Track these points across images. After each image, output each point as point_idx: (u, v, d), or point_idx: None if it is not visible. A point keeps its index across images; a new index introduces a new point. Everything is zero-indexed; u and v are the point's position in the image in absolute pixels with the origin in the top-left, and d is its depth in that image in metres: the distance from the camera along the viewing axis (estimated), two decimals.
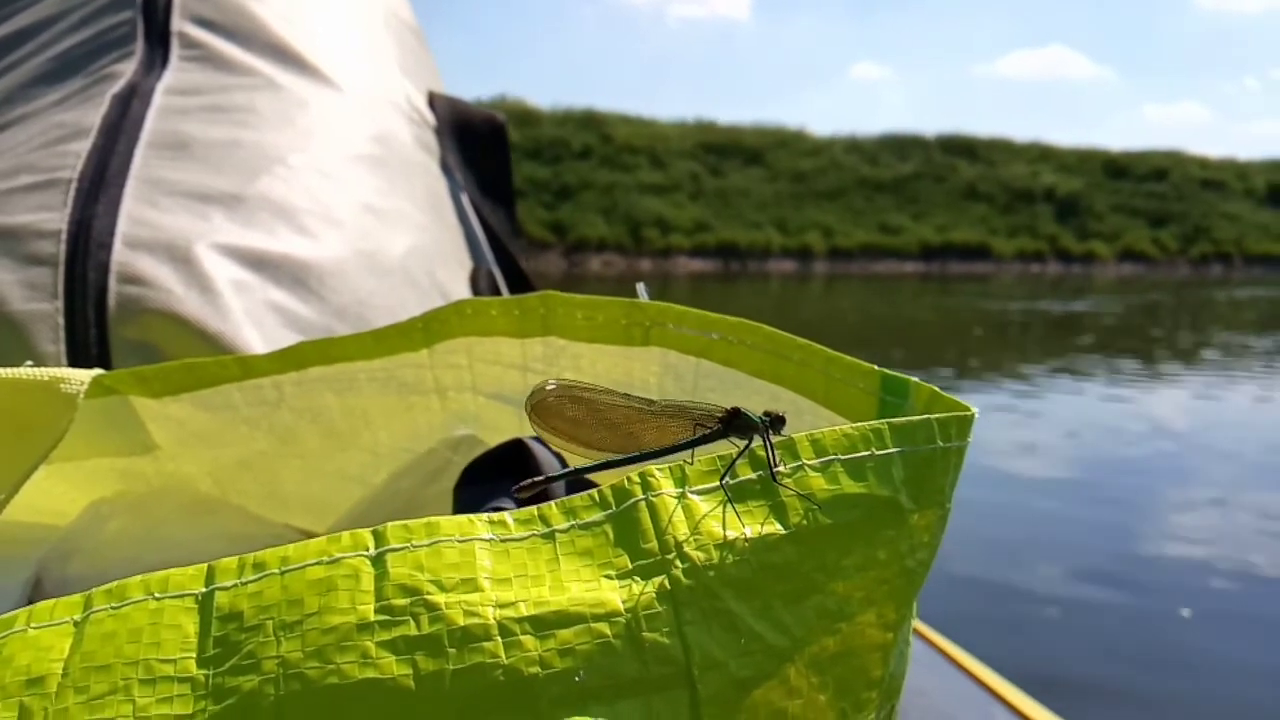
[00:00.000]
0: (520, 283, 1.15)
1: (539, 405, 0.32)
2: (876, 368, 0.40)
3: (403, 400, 0.54)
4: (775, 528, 0.29)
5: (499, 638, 0.27)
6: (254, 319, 0.78)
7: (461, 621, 0.28)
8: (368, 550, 0.29)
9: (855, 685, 0.30)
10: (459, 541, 0.29)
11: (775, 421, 0.32)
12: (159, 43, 0.97)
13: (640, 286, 0.50)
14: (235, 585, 0.29)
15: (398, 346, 0.51)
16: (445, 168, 1.21)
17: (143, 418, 0.53)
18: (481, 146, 1.28)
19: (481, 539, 0.30)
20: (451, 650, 0.27)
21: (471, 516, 0.30)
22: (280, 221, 0.87)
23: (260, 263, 0.82)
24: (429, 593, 0.28)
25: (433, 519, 0.30)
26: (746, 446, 0.30)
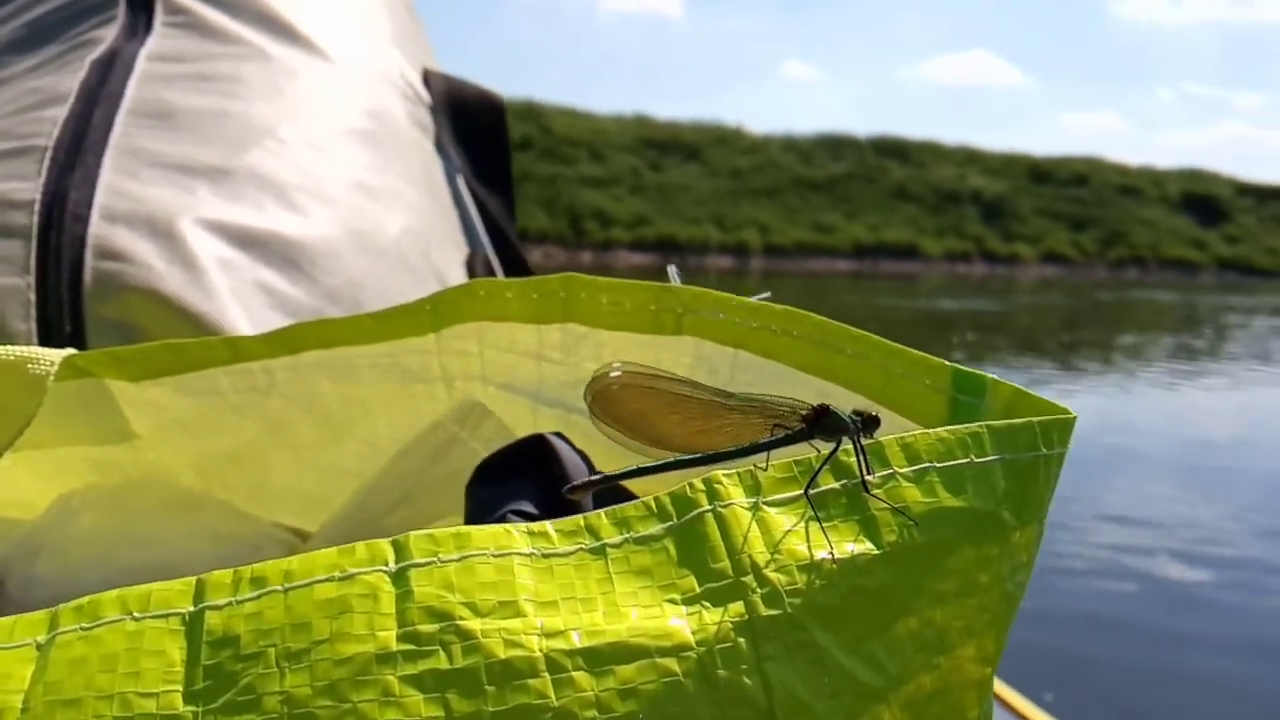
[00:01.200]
0: (518, 271, 1.11)
1: (602, 393, 0.27)
2: (948, 363, 0.36)
3: (405, 389, 0.50)
4: (866, 547, 0.25)
5: (547, 674, 0.23)
6: (241, 299, 0.73)
7: (502, 653, 0.23)
8: (387, 565, 0.25)
9: None
10: (494, 556, 0.25)
11: (868, 422, 0.28)
12: (142, 8, 0.91)
13: (672, 269, 0.45)
14: (230, 604, 0.25)
15: (402, 330, 0.47)
16: (440, 147, 1.16)
17: (119, 403, 0.48)
18: (478, 127, 1.23)
19: (520, 553, 0.25)
20: (490, 688, 0.23)
21: (507, 526, 0.26)
22: (269, 197, 0.82)
23: (248, 240, 0.77)
24: (462, 617, 0.24)
25: (462, 529, 0.26)
26: (834, 450, 0.26)
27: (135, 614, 0.25)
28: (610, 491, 0.38)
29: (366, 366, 0.48)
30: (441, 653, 0.23)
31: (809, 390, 0.42)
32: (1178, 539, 3.51)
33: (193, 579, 0.26)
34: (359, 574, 0.25)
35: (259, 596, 0.25)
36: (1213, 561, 3.31)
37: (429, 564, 0.25)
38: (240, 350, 0.47)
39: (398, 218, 0.93)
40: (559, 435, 0.44)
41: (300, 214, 0.82)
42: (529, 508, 0.38)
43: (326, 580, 0.25)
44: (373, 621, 0.24)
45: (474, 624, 0.24)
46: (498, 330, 0.47)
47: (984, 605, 0.27)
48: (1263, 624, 2.89)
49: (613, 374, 0.27)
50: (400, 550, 0.25)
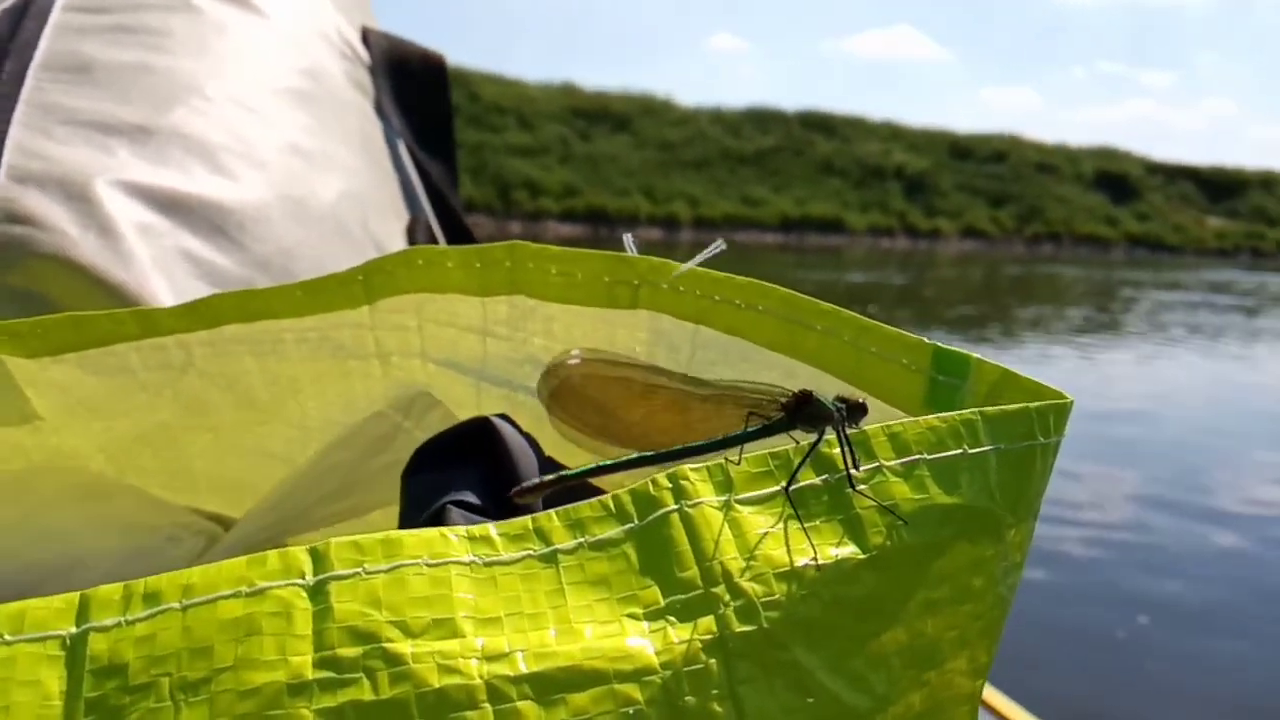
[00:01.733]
0: (462, 239, 1.07)
1: (560, 386, 0.24)
2: (927, 340, 0.34)
3: (337, 366, 0.46)
4: (852, 550, 0.22)
5: (488, 704, 0.20)
6: (163, 268, 0.68)
7: (436, 681, 0.20)
8: (303, 578, 0.21)
9: None
10: (428, 566, 0.22)
11: (853, 410, 0.25)
12: None
13: (628, 238, 0.42)
14: (119, 624, 0.21)
15: (332, 302, 0.43)
16: (380, 110, 1.11)
17: (18, 381, 0.44)
18: (419, 89, 1.18)
19: (458, 561, 0.22)
20: None
21: (444, 530, 0.22)
22: (195, 159, 0.77)
23: (171, 205, 0.72)
24: (389, 639, 0.21)
25: (392, 534, 0.22)
26: (817, 442, 0.23)
27: (7, 636, 0.21)
28: (567, 489, 0.35)
29: (293, 342, 0.44)
30: (365, 681, 0.20)
31: (776, 370, 0.39)
32: (1058, 504, 3.55)
33: (75, 595, 0.22)
34: (270, 589, 0.21)
35: (152, 615, 0.21)
36: (1087, 523, 3.36)
37: (353, 576, 0.21)
38: (152, 324, 0.43)
39: (334, 183, 0.88)
40: (505, 417, 0.40)
41: (229, 177, 0.77)
42: (471, 498, 0.35)
43: (232, 596, 0.21)
44: (285, 645, 0.21)
45: (403, 646, 0.20)
46: (438, 303, 0.44)
47: (978, 612, 0.24)
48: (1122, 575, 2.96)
49: (571, 361, 0.23)
50: (319, 560, 0.22)
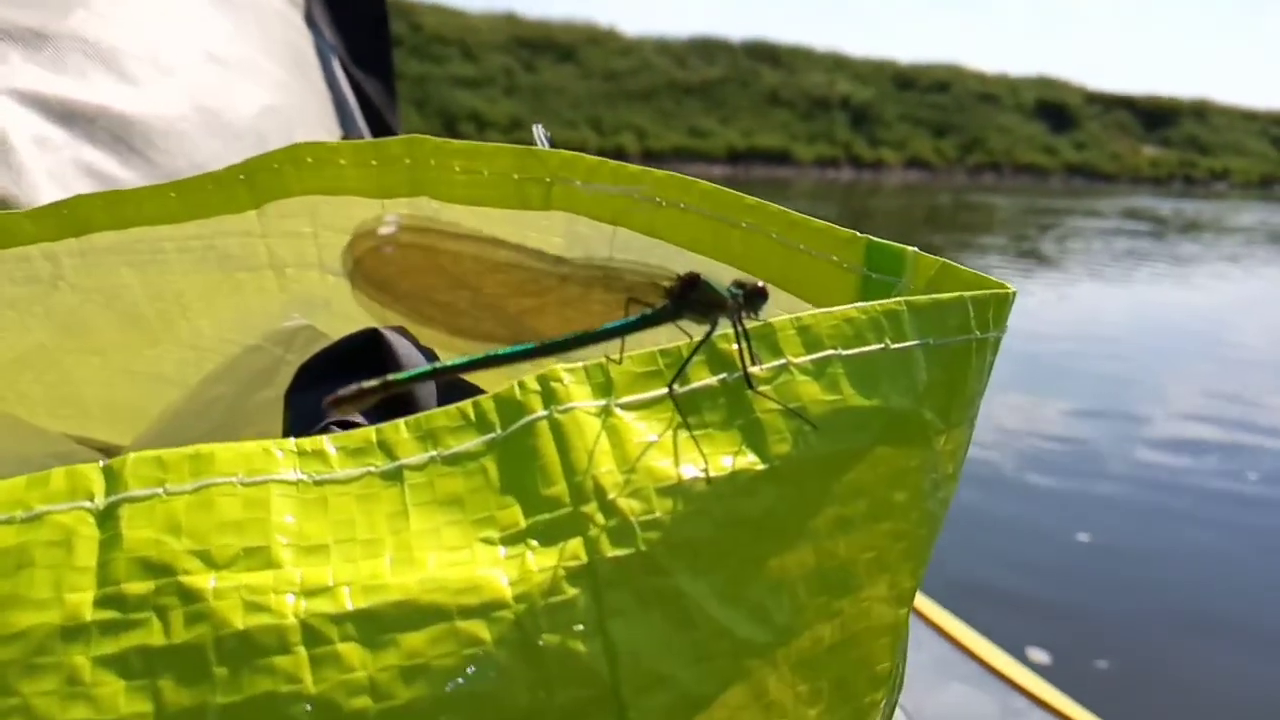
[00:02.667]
0: None
1: (367, 259, 0.20)
2: (859, 234, 0.30)
3: (228, 278, 0.42)
4: (750, 460, 0.19)
5: (302, 648, 0.16)
6: (60, 182, 0.63)
7: (240, 622, 0.17)
8: (91, 500, 0.18)
9: (857, 687, 0.20)
10: (243, 484, 0.18)
11: (751, 296, 0.21)
12: None
13: (539, 129, 0.38)
14: None
15: (213, 205, 0.39)
16: (311, 22, 1.05)
17: None
18: (354, 2, 1.11)
19: (283, 479, 0.18)
20: (221, 670, 0.16)
21: (268, 443, 0.19)
22: (96, 65, 0.71)
23: (69, 115, 0.66)
24: (187, 571, 0.17)
25: (203, 447, 0.19)
26: (709, 334, 0.20)
27: None
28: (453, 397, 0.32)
29: (175, 251, 0.40)
30: (155, 622, 0.17)
31: (700, 271, 0.35)
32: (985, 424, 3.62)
33: None
34: (49, 512, 0.18)
35: None
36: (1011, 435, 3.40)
37: (149, 498, 0.18)
38: (8, 230, 0.38)
39: (256, 94, 0.83)
40: (401, 330, 0.36)
41: (134, 85, 0.72)
42: (358, 419, 0.31)
43: (4, 523, 0.18)
44: (61, 580, 0.17)
45: (203, 580, 0.17)
46: (333, 206, 0.40)
47: (899, 530, 0.21)
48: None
49: (384, 229, 0.19)
50: (113, 478, 0.18)
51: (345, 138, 0.98)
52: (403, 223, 0.19)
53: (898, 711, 0.25)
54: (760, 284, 0.21)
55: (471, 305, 0.21)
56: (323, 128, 0.95)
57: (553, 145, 0.41)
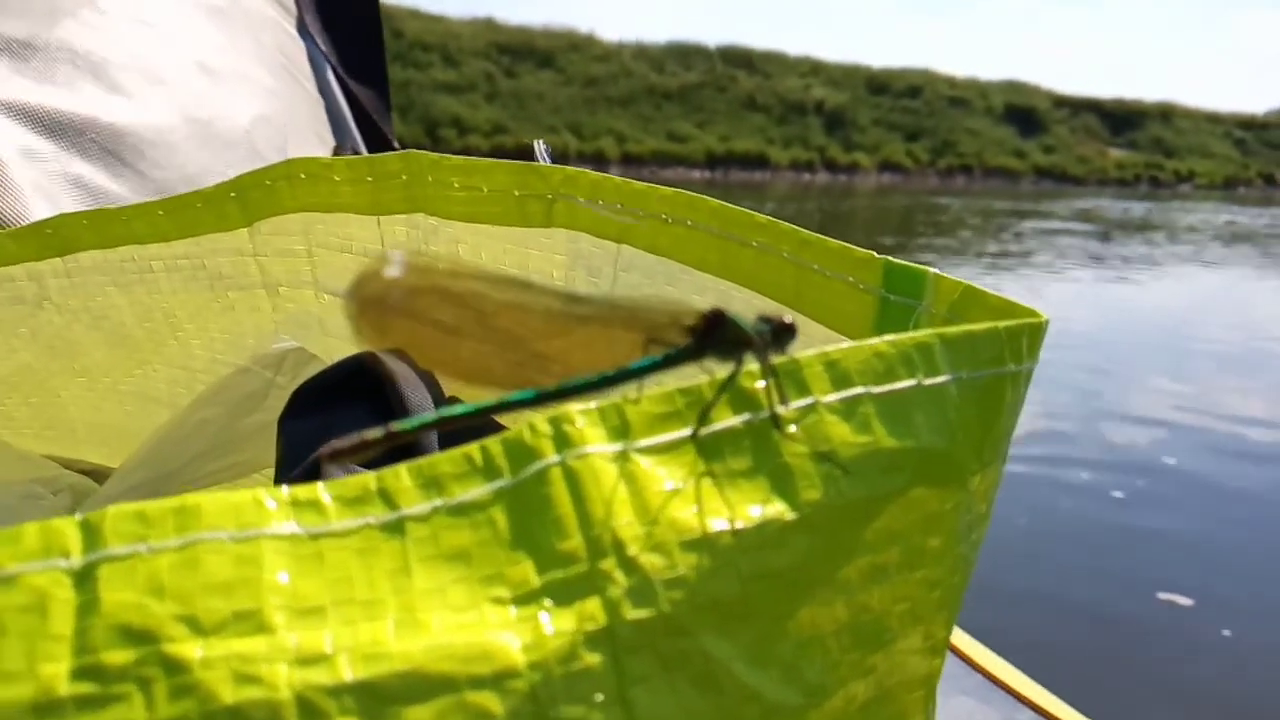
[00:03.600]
0: None
1: (371, 302, 0.18)
2: (877, 255, 0.29)
3: (219, 298, 0.40)
4: (779, 509, 0.18)
5: None
6: (48, 196, 0.62)
7: (229, 696, 0.15)
8: (67, 558, 0.17)
9: None
10: (233, 540, 0.17)
11: (779, 333, 0.20)
12: None
13: (540, 145, 0.37)
14: None
15: (203, 223, 0.37)
16: (304, 30, 1.03)
17: None
18: (347, 8, 1.10)
19: (275, 534, 0.17)
20: None
21: (259, 492, 0.18)
22: (86, 77, 0.70)
23: (58, 126, 0.65)
24: (172, 639, 0.16)
25: (189, 499, 0.17)
26: (735, 373, 0.18)
27: None
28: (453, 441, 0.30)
29: (163, 271, 0.39)
30: (137, 696, 0.15)
31: (708, 294, 0.34)
32: None
33: None
34: (22, 574, 0.16)
35: None
36: None
37: (130, 555, 0.17)
38: None
39: (248, 105, 0.82)
40: (399, 352, 0.35)
41: (124, 96, 0.70)
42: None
43: None
44: (34, 650, 0.16)
45: (190, 649, 0.16)
46: (328, 224, 0.38)
47: (934, 579, 0.20)
48: None
49: (389, 271, 0.18)
50: (91, 534, 0.17)
51: (339, 147, 0.97)
52: (412, 261, 0.18)
53: None
54: (788, 319, 0.20)
55: (488, 346, 0.20)
56: (316, 137, 0.93)
57: (554, 160, 0.39)
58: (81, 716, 0.15)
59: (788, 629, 0.17)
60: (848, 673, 0.18)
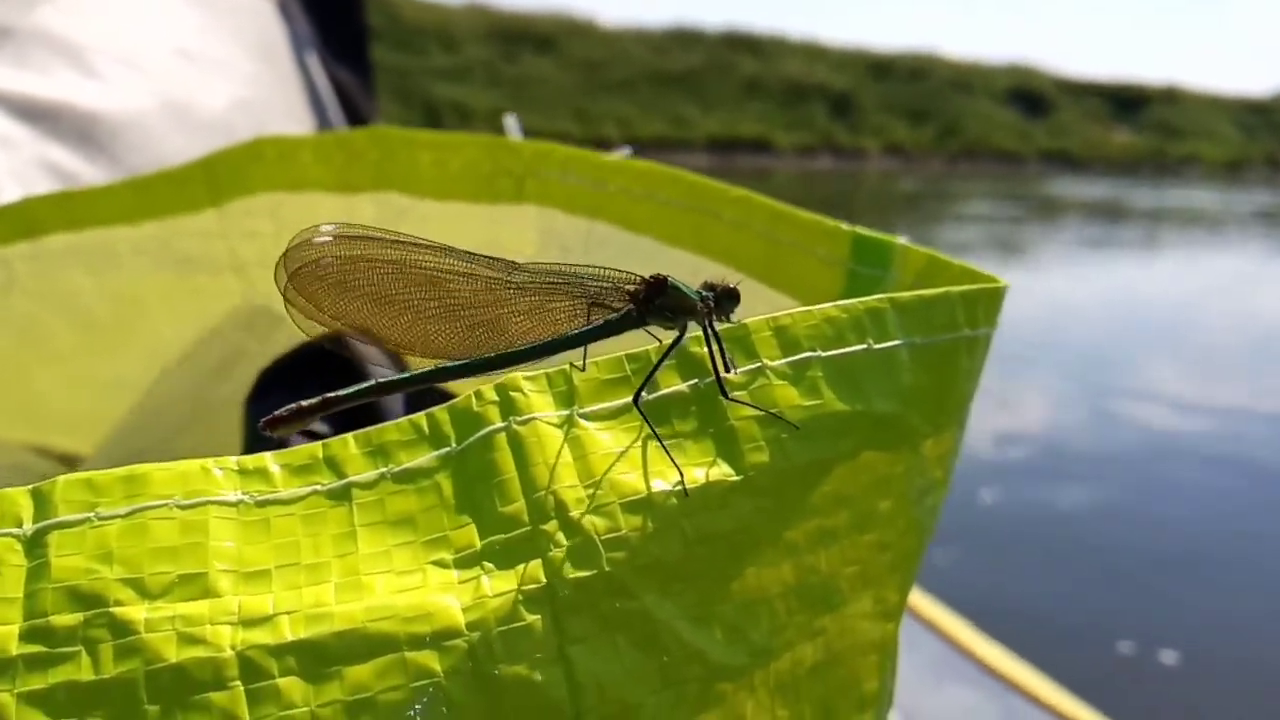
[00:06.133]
0: None
1: (302, 272, 0.18)
2: (846, 226, 0.29)
3: (185, 281, 0.40)
4: (724, 472, 0.18)
5: (238, 683, 0.15)
6: (22, 181, 0.61)
7: (174, 655, 0.15)
8: (19, 526, 0.17)
9: (843, 710, 0.19)
10: (181, 507, 0.17)
11: (722, 298, 0.20)
12: None
13: (510, 119, 0.37)
14: None
15: (171, 204, 0.37)
16: (285, 13, 1.03)
17: None
18: None
19: (222, 500, 0.17)
20: (152, 708, 0.15)
21: (208, 461, 0.18)
22: (61, 61, 0.69)
23: (33, 111, 0.65)
24: (119, 601, 0.16)
25: (138, 468, 0.17)
26: (679, 339, 0.18)
27: None
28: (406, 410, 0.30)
29: (130, 253, 0.39)
30: (84, 657, 0.15)
31: (682, 269, 0.34)
32: None
33: None
34: None
35: None
36: None
37: (81, 523, 0.17)
38: None
39: (226, 88, 0.81)
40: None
41: (100, 81, 0.70)
42: (322, 427, 0.30)
43: None
44: None
45: (136, 611, 0.16)
46: (296, 204, 0.38)
47: (885, 541, 0.20)
48: None
49: (319, 238, 0.18)
50: (42, 503, 0.17)
51: (319, 128, 0.96)
52: (341, 230, 0.18)
53: (895, 713, 0.23)
54: (732, 284, 0.20)
55: (430, 319, 0.20)
56: (295, 119, 0.93)
57: (526, 135, 0.39)
58: (31, 675, 0.15)
59: (732, 590, 0.17)
60: (795, 635, 0.18)
